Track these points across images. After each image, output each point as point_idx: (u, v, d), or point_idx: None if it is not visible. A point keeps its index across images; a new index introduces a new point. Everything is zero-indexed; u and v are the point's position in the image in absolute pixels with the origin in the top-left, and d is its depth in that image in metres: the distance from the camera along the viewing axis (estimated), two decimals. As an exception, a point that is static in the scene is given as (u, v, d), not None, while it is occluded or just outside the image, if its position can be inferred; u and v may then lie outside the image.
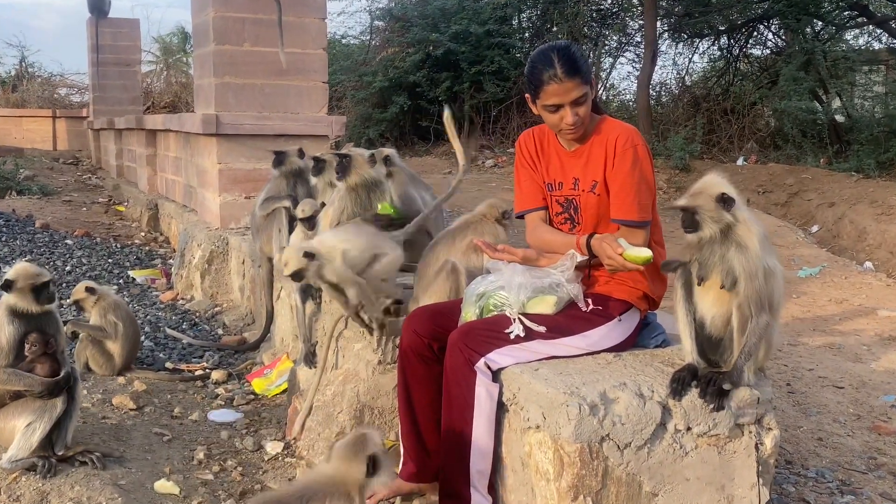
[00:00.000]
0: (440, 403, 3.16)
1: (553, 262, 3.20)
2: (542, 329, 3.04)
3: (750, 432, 2.93)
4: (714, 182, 2.91)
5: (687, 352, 2.98)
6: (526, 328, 3.03)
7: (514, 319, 3.06)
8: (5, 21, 49.01)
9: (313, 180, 4.98)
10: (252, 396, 4.79)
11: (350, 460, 2.67)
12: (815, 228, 10.55)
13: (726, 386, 2.85)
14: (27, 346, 3.62)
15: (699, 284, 2.93)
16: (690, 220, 2.87)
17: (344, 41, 18.71)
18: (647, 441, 2.81)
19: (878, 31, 15.80)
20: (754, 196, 11.57)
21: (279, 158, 5.41)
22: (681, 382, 2.87)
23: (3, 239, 8.50)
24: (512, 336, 3.02)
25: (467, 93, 15.35)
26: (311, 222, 4.48)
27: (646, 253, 2.99)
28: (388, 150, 4.85)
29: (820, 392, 4.73)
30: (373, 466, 2.64)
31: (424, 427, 3.29)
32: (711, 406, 2.83)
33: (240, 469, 3.87)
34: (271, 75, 6.76)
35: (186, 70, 21.44)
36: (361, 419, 3.92)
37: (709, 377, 2.89)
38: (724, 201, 2.83)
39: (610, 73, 18.51)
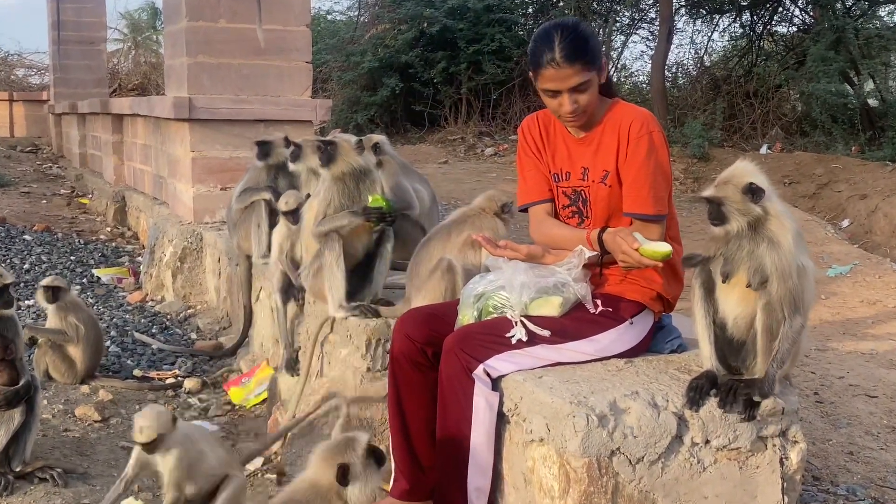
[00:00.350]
0: (434, 414, 3.16)
1: (560, 260, 3.20)
2: (546, 333, 3.04)
3: (774, 446, 2.94)
4: (743, 170, 2.89)
5: (705, 357, 2.98)
6: (529, 332, 3.03)
7: (516, 322, 3.06)
8: (-41, -5, 48.93)
9: (292, 167, 4.96)
10: (229, 407, 4.79)
11: (326, 466, 2.69)
12: (845, 223, 10.56)
13: (756, 398, 2.85)
14: None
15: (724, 282, 2.91)
16: (717, 211, 2.85)
17: (329, 17, 18.75)
18: (661, 455, 2.82)
19: (916, 6, 15.83)
20: (779, 187, 11.53)
21: (263, 150, 5.34)
22: (698, 391, 2.87)
23: (-45, 234, 8.50)
24: (514, 340, 3.02)
25: (465, 74, 15.33)
26: (294, 216, 4.48)
27: (665, 248, 2.96)
28: (378, 137, 4.86)
29: (851, 402, 4.74)
30: (343, 476, 2.65)
31: (417, 440, 3.29)
32: (740, 416, 2.83)
33: (215, 486, 3.87)
34: (249, 54, 6.74)
35: (156, 49, 21.45)
36: (349, 431, 3.92)
37: (729, 385, 2.89)
38: (753, 192, 2.81)
39: (622, 52, 18.52)
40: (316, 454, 2.76)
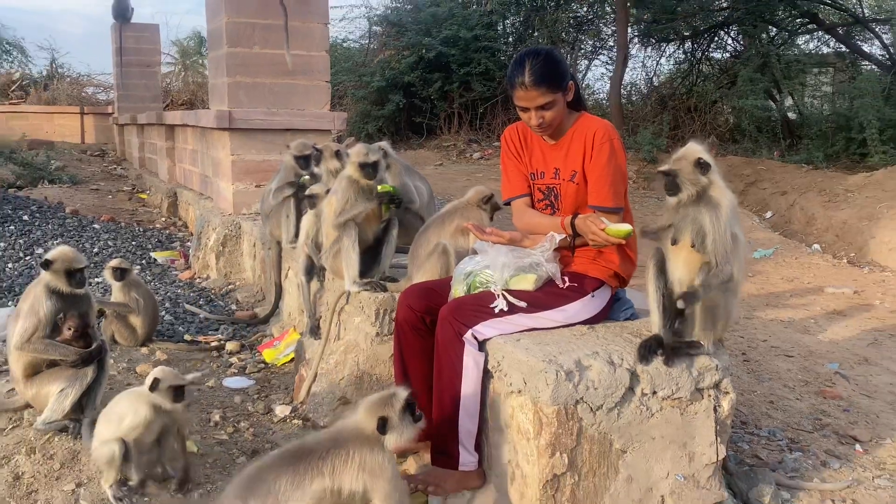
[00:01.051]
0: (431, 371, 3.17)
1: (536, 244, 3.21)
2: (523, 304, 3.05)
3: (709, 396, 2.96)
4: (693, 149, 2.91)
5: (655, 323, 2.98)
6: (509, 303, 3.04)
7: (499, 295, 3.07)
8: (35, 26, 48.60)
9: (316, 169, 4.97)
10: (262, 365, 4.79)
11: (369, 416, 2.67)
12: (769, 214, 10.58)
13: (693, 352, 2.92)
14: (65, 327, 3.60)
15: (673, 244, 2.92)
16: (672, 183, 2.86)
17: (345, 45, 18.59)
18: (616, 404, 2.83)
19: (827, 36, 15.81)
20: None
21: (316, 156, 5.23)
22: (648, 349, 2.90)
23: (37, 223, 8.46)
24: (496, 310, 3.03)
25: (457, 92, 15.27)
26: (312, 199, 4.52)
27: (626, 227, 2.98)
28: (384, 144, 4.84)
29: (772, 361, 4.77)
30: (382, 426, 2.63)
31: (418, 392, 3.30)
32: (681, 370, 2.87)
33: (251, 430, 3.88)
34: (279, 75, 6.72)
35: (202, 71, 21.28)
36: (361, 385, 3.93)
37: (673, 345, 2.91)
38: (702, 165, 2.83)
39: (586, 74, 18.45)
40: (362, 405, 2.74)
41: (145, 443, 3.21)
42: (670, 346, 2.91)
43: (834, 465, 3.55)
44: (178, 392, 3.18)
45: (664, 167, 2.90)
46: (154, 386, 3.15)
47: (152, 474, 3.27)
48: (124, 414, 3.16)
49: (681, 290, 2.88)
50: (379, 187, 4.03)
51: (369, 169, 3.99)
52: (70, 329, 3.59)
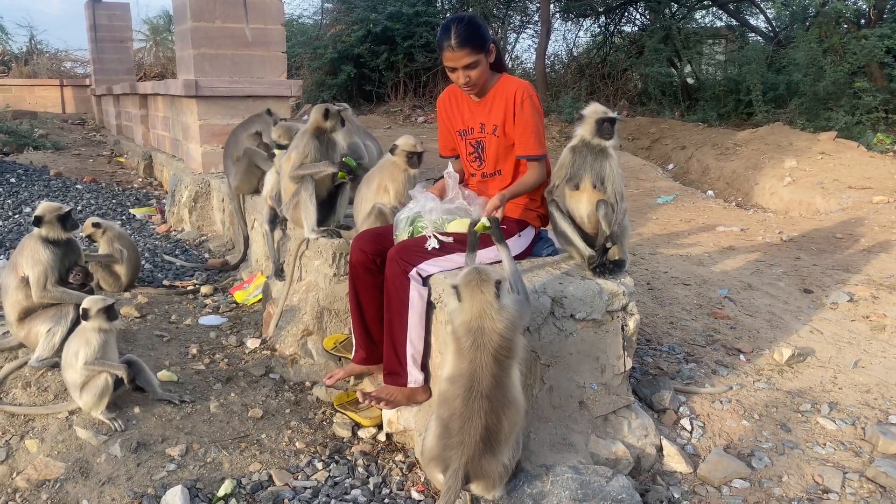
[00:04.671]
0: (382, 304, 3.18)
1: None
2: (450, 240, 3.08)
3: (618, 317, 3.02)
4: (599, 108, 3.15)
5: (583, 249, 3.13)
6: (440, 241, 3.07)
7: (430, 236, 3.08)
8: (14, 6, 45.91)
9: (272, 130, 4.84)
10: (234, 305, 4.74)
11: (483, 290, 2.48)
12: (670, 166, 10.74)
13: (613, 255, 3.10)
14: (72, 276, 3.58)
15: (575, 189, 3.09)
16: (611, 129, 3.07)
17: (300, 20, 18.08)
18: (540, 326, 2.88)
19: (720, 11, 15.91)
20: (625, 143, 11.69)
21: (273, 118, 5.26)
22: (603, 267, 3.09)
23: (23, 185, 8.13)
24: (429, 248, 3.05)
25: (402, 62, 15.00)
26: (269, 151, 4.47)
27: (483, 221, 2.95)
28: (344, 105, 4.76)
29: (672, 288, 4.86)
30: (497, 290, 2.48)
31: (371, 323, 3.31)
32: (612, 280, 3.05)
33: (226, 360, 3.85)
34: (239, 47, 6.49)
35: (171, 46, 20.46)
36: (321, 319, 3.92)
37: (601, 262, 3.09)
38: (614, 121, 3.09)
39: (514, 46, 18.34)
40: (467, 286, 2.50)
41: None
42: (600, 265, 3.08)
43: (722, 373, 3.68)
44: (110, 311, 3.17)
45: (615, 114, 3.09)
46: (86, 315, 3.15)
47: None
48: (78, 350, 3.13)
49: (588, 223, 3.11)
50: (345, 158, 3.99)
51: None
52: (77, 276, 3.59)
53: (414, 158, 3.69)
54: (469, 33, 3.04)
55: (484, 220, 2.91)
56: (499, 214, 2.99)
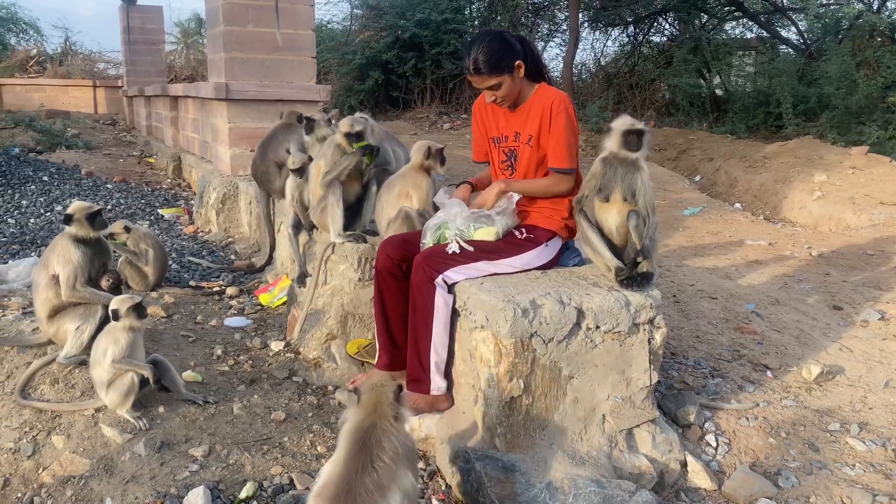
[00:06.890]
0: (407, 310, 3.18)
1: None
2: (471, 249, 3.08)
3: (644, 330, 2.99)
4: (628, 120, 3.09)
5: (610, 260, 3.07)
6: (460, 247, 3.07)
7: (452, 241, 3.09)
8: (50, 8, 46.89)
9: (305, 138, 4.85)
10: (259, 307, 4.76)
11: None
12: (698, 178, 10.65)
13: (642, 268, 3.02)
14: (103, 281, 3.62)
15: (605, 201, 3.03)
16: (639, 141, 3.01)
17: (329, 26, 18.22)
18: (565, 337, 2.86)
19: (750, 23, 15.78)
20: (652, 153, 11.61)
21: (309, 125, 4.85)
22: (631, 280, 3.03)
23: (55, 183, 8.26)
24: (449, 252, 3.06)
25: (429, 69, 15.05)
26: (300, 172, 4.42)
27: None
28: (366, 115, 4.75)
29: (698, 302, 4.82)
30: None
31: (395, 329, 3.31)
32: (638, 290, 3.01)
33: (250, 362, 3.87)
34: (270, 51, 6.56)
35: (202, 49, 20.72)
36: (345, 323, 3.93)
37: (630, 275, 3.03)
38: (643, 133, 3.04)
39: (542, 54, 18.22)
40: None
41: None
42: (629, 277, 3.03)
43: (748, 389, 3.63)
44: (139, 309, 3.19)
45: (642, 125, 3.03)
46: (116, 315, 3.17)
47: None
48: (107, 348, 3.15)
49: (616, 235, 3.06)
50: (355, 145, 4.00)
51: (353, 137, 3.95)
52: (109, 281, 3.64)
53: (437, 156, 3.72)
54: (486, 57, 3.04)
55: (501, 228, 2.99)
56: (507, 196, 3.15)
